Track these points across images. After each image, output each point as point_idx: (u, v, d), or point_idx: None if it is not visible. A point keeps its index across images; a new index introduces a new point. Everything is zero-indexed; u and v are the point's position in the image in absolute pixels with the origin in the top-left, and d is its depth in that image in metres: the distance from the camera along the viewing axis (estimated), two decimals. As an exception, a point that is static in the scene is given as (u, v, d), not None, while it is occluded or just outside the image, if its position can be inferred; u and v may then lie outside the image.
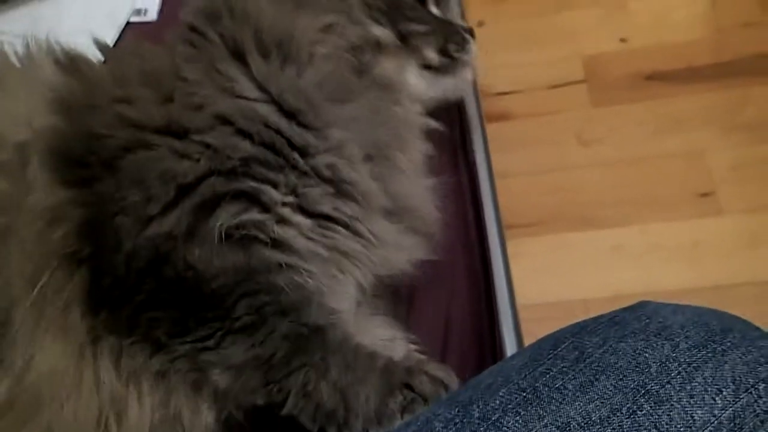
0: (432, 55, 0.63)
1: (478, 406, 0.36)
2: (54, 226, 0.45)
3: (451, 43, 0.63)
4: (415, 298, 0.62)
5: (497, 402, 0.36)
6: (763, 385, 0.33)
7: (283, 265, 0.46)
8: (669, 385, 0.33)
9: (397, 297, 0.60)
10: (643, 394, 0.33)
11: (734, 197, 1.00)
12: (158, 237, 0.44)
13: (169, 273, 0.44)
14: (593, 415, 0.33)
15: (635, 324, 0.37)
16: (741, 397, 0.32)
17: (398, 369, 0.46)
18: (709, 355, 0.34)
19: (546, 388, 0.35)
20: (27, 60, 0.55)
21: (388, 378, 0.45)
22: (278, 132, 0.48)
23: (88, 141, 0.47)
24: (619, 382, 0.34)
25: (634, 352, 0.35)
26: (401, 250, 0.54)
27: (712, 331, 0.35)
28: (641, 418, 0.32)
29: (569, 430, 0.33)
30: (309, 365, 0.44)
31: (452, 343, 0.60)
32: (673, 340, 0.35)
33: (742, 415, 0.32)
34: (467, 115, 0.76)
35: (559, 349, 0.38)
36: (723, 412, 0.32)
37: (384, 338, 0.53)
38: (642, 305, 0.40)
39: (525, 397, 0.35)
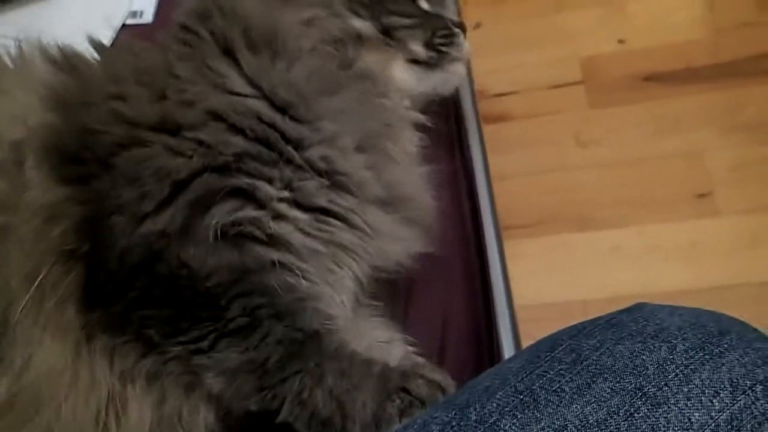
0: (418, 49, 0.61)
1: (475, 409, 0.36)
2: (52, 224, 0.45)
3: (438, 36, 0.63)
4: (413, 293, 0.62)
5: (494, 405, 0.36)
6: (761, 387, 0.33)
7: (277, 263, 0.46)
8: (666, 388, 0.33)
9: (395, 293, 0.60)
10: (641, 396, 0.33)
11: (732, 198, 1.00)
12: (152, 234, 0.44)
13: (163, 270, 0.44)
14: (590, 417, 0.33)
15: (632, 326, 0.37)
16: (738, 399, 0.32)
17: (394, 373, 0.46)
18: (707, 357, 0.34)
19: (543, 391, 0.35)
20: (20, 60, 0.55)
21: (384, 383, 0.45)
22: (271, 126, 0.48)
23: (82, 137, 0.47)
24: (617, 385, 0.34)
25: (632, 354, 0.35)
26: (398, 241, 0.54)
27: (709, 333, 0.35)
28: (638, 421, 0.32)
29: (566, 432, 0.33)
30: (304, 371, 0.44)
31: (449, 343, 0.60)
32: (671, 342, 0.35)
33: (740, 417, 0.32)
34: (462, 110, 0.75)
35: (556, 352, 0.38)
36: (720, 414, 0.32)
37: (382, 340, 0.53)
38: (639, 307, 0.39)
39: (522, 399, 0.35)
